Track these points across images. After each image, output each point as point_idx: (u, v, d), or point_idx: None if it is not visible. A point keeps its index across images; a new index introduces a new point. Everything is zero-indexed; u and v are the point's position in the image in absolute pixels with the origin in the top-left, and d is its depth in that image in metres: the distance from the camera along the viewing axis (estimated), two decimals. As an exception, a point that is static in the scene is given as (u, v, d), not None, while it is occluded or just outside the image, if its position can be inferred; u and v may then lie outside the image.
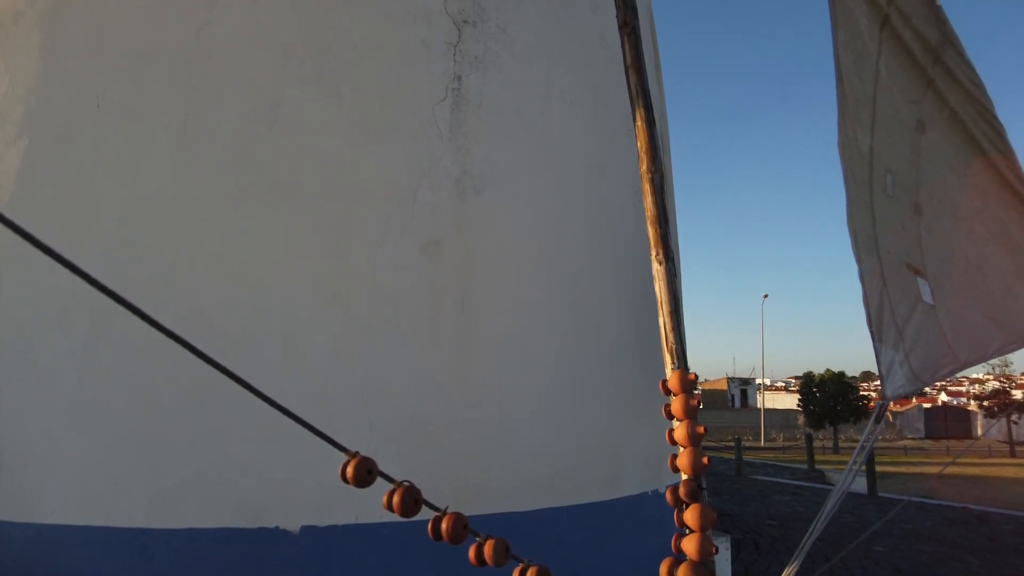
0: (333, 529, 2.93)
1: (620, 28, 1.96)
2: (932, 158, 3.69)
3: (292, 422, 0.88)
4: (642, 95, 1.92)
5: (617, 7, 1.98)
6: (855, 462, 2.47)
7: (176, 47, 3.30)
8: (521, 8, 3.98)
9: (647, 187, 1.83)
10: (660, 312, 1.68)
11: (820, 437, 36.90)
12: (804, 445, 21.38)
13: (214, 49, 3.31)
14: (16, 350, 3.13)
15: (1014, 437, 36.64)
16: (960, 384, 59.67)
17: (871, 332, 2.59)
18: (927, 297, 3.25)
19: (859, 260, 2.82)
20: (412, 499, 0.93)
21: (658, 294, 1.70)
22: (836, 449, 35.57)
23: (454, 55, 3.61)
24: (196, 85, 3.26)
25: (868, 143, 3.23)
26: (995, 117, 4.02)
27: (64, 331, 3.06)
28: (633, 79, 1.91)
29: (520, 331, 3.55)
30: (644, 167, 1.85)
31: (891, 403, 2.59)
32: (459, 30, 3.66)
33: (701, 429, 1.42)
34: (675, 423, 1.45)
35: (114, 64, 3.30)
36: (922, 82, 3.76)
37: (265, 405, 0.86)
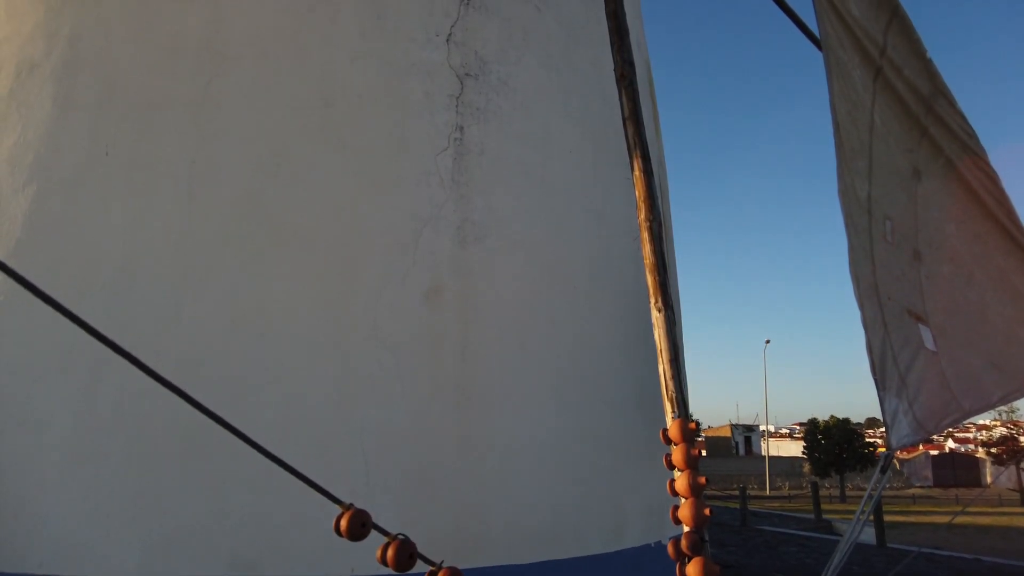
0: (328, 582, 2.86)
1: (618, 81, 2.01)
2: (930, 205, 3.73)
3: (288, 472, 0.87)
4: (640, 145, 1.95)
5: (615, 61, 2.03)
6: (863, 512, 2.42)
7: (186, 98, 3.38)
8: (522, 62, 4.09)
9: (646, 235, 1.85)
10: (660, 360, 1.67)
11: (826, 485, 36.18)
12: (810, 494, 20.96)
13: (223, 101, 3.39)
14: (11, 397, 3.10)
15: (1024, 485, 35.95)
16: (967, 431, 58.87)
17: (875, 380, 2.58)
18: (929, 344, 3.23)
19: (861, 306, 2.82)
20: (406, 553, 0.91)
21: (658, 342, 1.70)
22: (843, 498, 34.83)
23: (456, 106, 3.69)
24: (204, 135, 3.33)
25: (866, 190, 3.27)
26: (989, 165, 4.08)
27: (62, 379, 3.04)
28: (631, 130, 1.95)
29: (520, 379, 3.53)
30: (643, 215, 1.87)
31: (897, 451, 2.56)
32: (461, 82, 3.76)
33: (703, 480, 1.40)
34: (676, 473, 1.43)
35: (124, 114, 3.37)
36: (916, 131, 3.83)
37: (260, 454, 0.85)
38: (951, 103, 4.07)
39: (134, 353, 1.02)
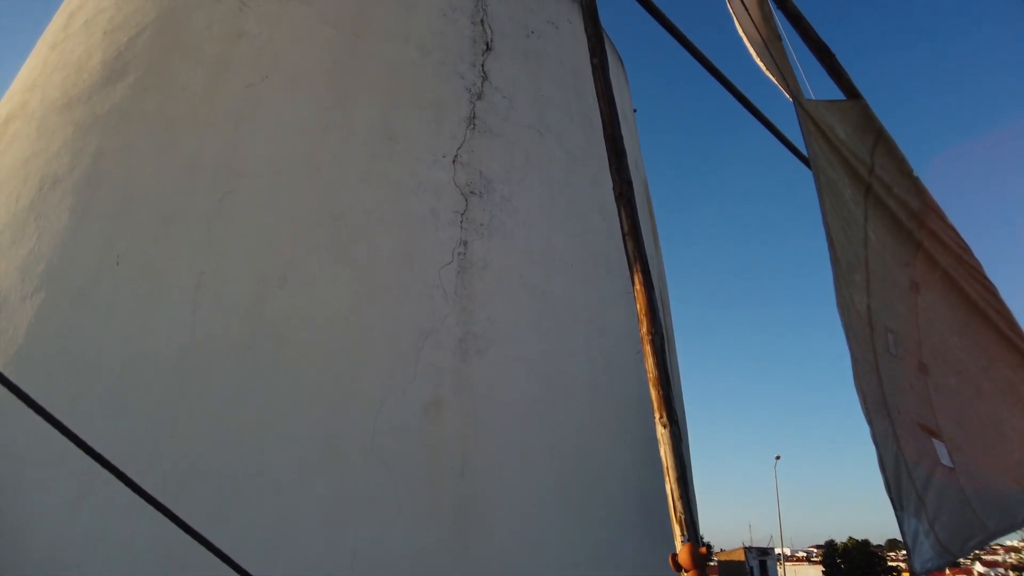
0: None
1: (617, 199, 2.08)
2: (931, 317, 3.73)
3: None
4: (640, 259, 1.99)
5: (614, 180, 2.12)
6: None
7: (200, 211, 3.50)
8: (525, 181, 4.27)
9: (648, 348, 1.84)
10: (667, 478, 1.61)
11: (851, 615, 33.77)
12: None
13: (235, 214, 3.51)
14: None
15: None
16: (994, 552, 55.58)
17: (891, 499, 2.47)
18: (944, 459, 3.13)
19: (870, 421, 2.75)
20: None
21: (664, 459, 1.65)
22: (870, 629, 32.41)
23: (461, 222, 3.82)
24: (214, 247, 3.41)
25: (865, 303, 3.29)
26: (986, 277, 4.13)
27: (46, 491, 2.94)
28: (631, 245, 1.99)
29: (521, 499, 3.39)
30: (644, 329, 1.87)
31: (923, 578, 2.41)
32: (466, 200, 3.91)
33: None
34: (689, 605, 1.34)
35: (139, 226, 3.48)
36: (911, 245, 3.90)
37: None
38: (942, 218, 4.17)
39: (124, 465, 1.00)
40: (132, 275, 3.34)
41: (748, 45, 4.98)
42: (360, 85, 4.11)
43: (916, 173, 4.11)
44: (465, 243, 3.77)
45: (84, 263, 3.40)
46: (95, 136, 3.78)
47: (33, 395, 2.28)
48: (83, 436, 2.21)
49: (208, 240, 3.42)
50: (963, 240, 4.17)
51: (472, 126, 4.25)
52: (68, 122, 3.90)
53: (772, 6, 5.02)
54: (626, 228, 2.03)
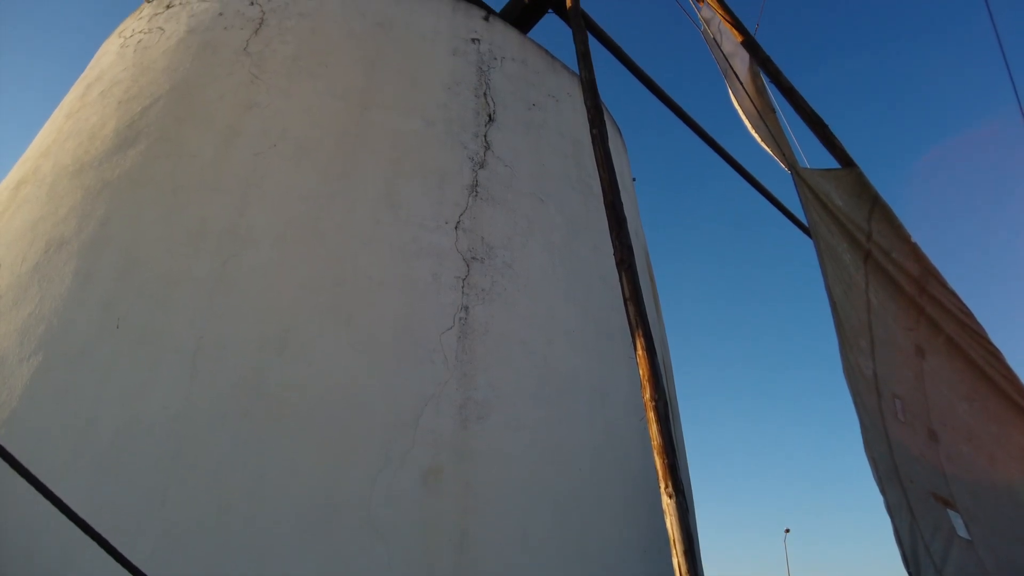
0: None
1: (618, 265, 2.09)
2: (938, 383, 3.69)
3: None
4: (641, 325, 1.98)
5: (615, 247, 2.14)
6: None
7: (202, 276, 3.52)
8: (527, 247, 4.32)
9: (652, 415, 1.81)
10: (673, 552, 1.55)
11: None
12: None
13: (238, 279, 3.53)
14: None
15: None
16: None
17: (909, 574, 2.38)
18: (961, 532, 3.03)
19: (883, 491, 2.68)
20: None
21: (670, 531, 1.59)
22: None
23: (462, 287, 3.83)
24: (215, 311, 3.41)
25: (871, 368, 3.26)
26: (990, 342, 4.10)
27: (29, 558, 2.83)
28: (632, 310, 1.99)
29: (522, 573, 3.26)
30: (648, 395, 1.85)
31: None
32: (468, 265, 3.94)
33: None
34: None
35: (141, 289, 3.49)
36: (913, 310, 3.90)
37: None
38: (942, 283, 4.18)
39: (112, 533, 0.96)
40: (132, 339, 3.32)
41: (743, 117, 5.13)
42: (366, 154, 4.22)
43: (914, 239, 4.15)
44: (466, 308, 3.77)
45: (84, 326, 3.39)
46: (104, 201, 3.85)
47: (24, 459, 2.23)
48: (71, 503, 2.15)
49: (209, 305, 3.43)
50: (965, 305, 4.17)
51: (475, 193, 4.33)
52: (78, 187, 3.98)
53: (766, 80, 5.20)
54: (627, 293, 2.03)
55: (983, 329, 4.11)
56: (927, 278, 4.08)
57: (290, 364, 3.31)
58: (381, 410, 3.32)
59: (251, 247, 3.63)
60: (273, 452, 3.09)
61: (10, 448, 2.18)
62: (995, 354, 4.09)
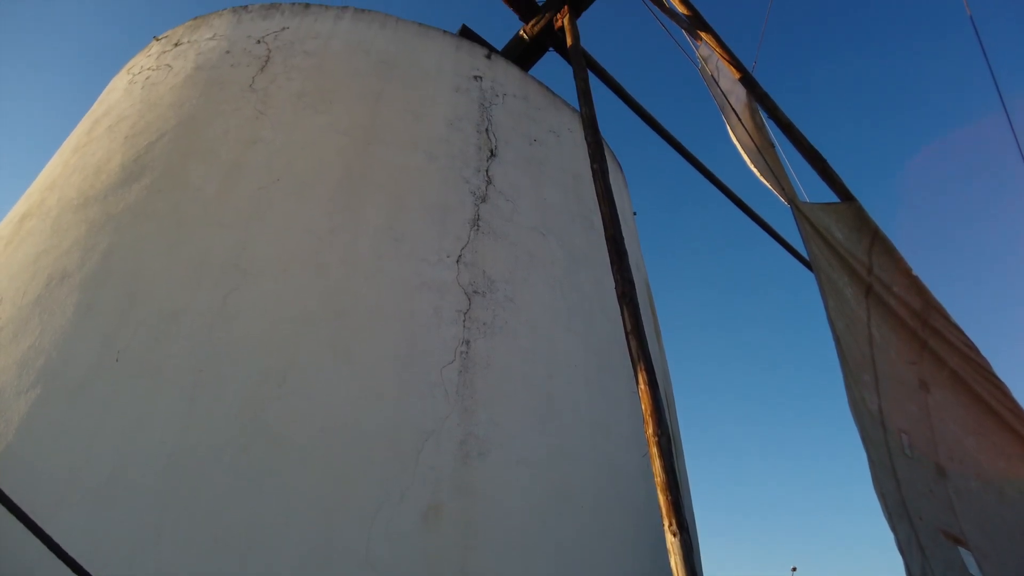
0: None
1: (620, 298, 2.09)
2: (944, 418, 3.65)
3: None
4: (644, 358, 1.97)
5: (616, 280, 2.14)
6: None
7: (203, 309, 3.51)
8: (528, 281, 4.32)
9: (655, 450, 1.78)
10: (680, 593, 1.51)
11: None
12: None
13: (238, 312, 3.52)
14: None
15: None
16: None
17: (921, 616, 2.32)
18: (974, 570, 2.96)
19: (893, 528, 2.64)
20: None
21: (674, 569, 1.55)
22: None
23: (464, 321, 3.83)
24: (215, 345, 3.40)
25: (876, 403, 3.23)
26: (994, 375, 4.07)
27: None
28: (634, 344, 1.98)
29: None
30: (650, 430, 1.82)
31: None
32: (469, 299, 3.94)
33: None
34: None
35: (141, 322, 3.48)
36: (916, 344, 3.88)
37: None
38: (945, 316, 4.17)
39: (105, 571, 0.94)
40: (131, 372, 3.31)
41: (742, 152, 5.19)
42: (369, 188, 4.26)
43: (915, 272, 4.15)
44: (468, 342, 3.76)
45: (83, 359, 3.38)
46: (107, 234, 3.87)
47: (19, 494, 2.20)
48: (65, 539, 2.11)
49: (209, 338, 3.42)
50: (968, 338, 4.15)
51: (476, 227, 4.36)
52: (82, 220, 4.00)
53: (763, 116, 5.27)
54: (629, 327, 2.02)
55: (987, 362, 4.08)
56: (929, 311, 4.07)
57: (290, 398, 3.28)
58: (381, 445, 3.28)
59: (253, 280, 3.64)
60: (271, 488, 3.04)
61: (5, 483, 2.15)
62: (1000, 388, 4.06)
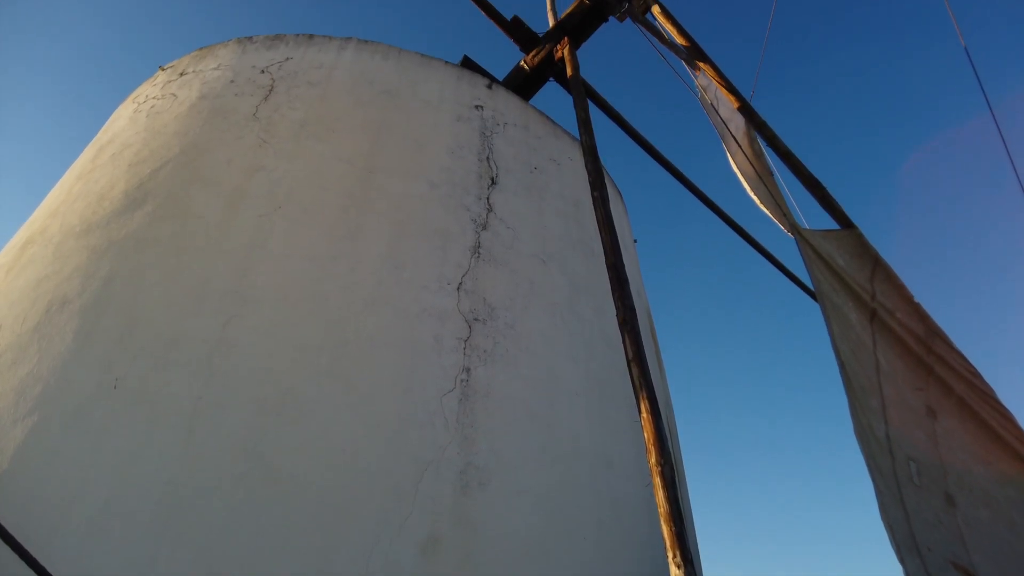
0: None
1: (620, 326, 2.07)
2: (952, 445, 3.60)
3: None
4: (646, 387, 1.95)
5: (617, 308, 2.13)
6: None
7: (202, 336, 3.49)
8: (529, 308, 4.31)
9: (658, 481, 1.75)
10: (685, 629, 1.47)
11: None
12: None
13: (238, 340, 3.50)
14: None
15: None
16: None
17: (934, 651, 2.25)
18: (986, 604, 2.90)
19: (901, 559, 2.58)
20: None
21: (681, 606, 1.51)
22: None
23: (464, 349, 3.80)
24: (213, 373, 3.37)
25: (883, 430, 3.19)
26: (1000, 403, 4.03)
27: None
28: (636, 371, 1.96)
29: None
30: (653, 459, 1.79)
31: None
32: (470, 327, 3.92)
33: None
34: None
35: (141, 349, 3.46)
36: (922, 370, 3.85)
37: None
38: (948, 343, 4.14)
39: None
40: (128, 400, 3.28)
41: (742, 180, 5.21)
42: (370, 216, 4.27)
43: (917, 299, 4.14)
44: (468, 370, 3.73)
45: (81, 386, 3.35)
46: (108, 261, 3.87)
47: (13, 523, 2.16)
48: (57, 571, 2.07)
49: (208, 366, 3.39)
50: (972, 365, 4.12)
51: (477, 255, 4.36)
52: (84, 247, 4.01)
53: (762, 144, 5.30)
54: (630, 355, 2.00)
55: (991, 389, 4.05)
56: (933, 338, 4.04)
57: (288, 427, 3.25)
58: (380, 476, 3.23)
59: (253, 308, 3.62)
60: (267, 520, 2.99)
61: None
62: (1006, 415, 4.02)
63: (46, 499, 3.03)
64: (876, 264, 4.16)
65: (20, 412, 3.30)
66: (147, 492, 3.02)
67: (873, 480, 2.77)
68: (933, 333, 4.04)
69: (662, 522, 1.64)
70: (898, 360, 3.62)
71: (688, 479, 5.43)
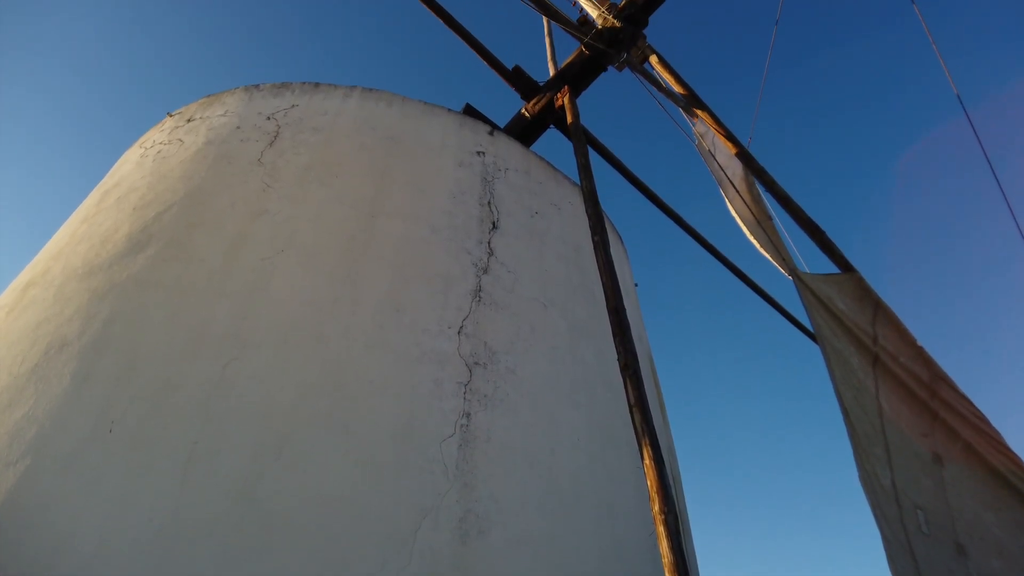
0: None
1: (622, 371, 2.06)
2: (960, 493, 3.54)
3: None
4: (648, 433, 1.92)
5: (618, 352, 2.12)
6: None
7: (201, 379, 3.47)
8: (530, 352, 4.29)
9: (662, 529, 1.71)
10: None
11: None
12: None
13: (236, 383, 3.48)
14: None
15: None
16: None
17: None
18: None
19: (912, 613, 2.51)
20: None
21: (687, 662, 1.46)
22: None
23: (464, 393, 3.77)
24: (211, 416, 3.34)
25: (889, 477, 3.14)
26: (1008, 447, 3.97)
27: None
28: (638, 417, 1.94)
29: None
30: (656, 507, 1.76)
31: None
32: (470, 371, 3.89)
33: None
34: None
35: (138, 392, 3.43)
36: (927, 415, 3.80)
37: None
38: (953, 387, 4.10)
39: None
40: (124, 444, 3.23)
41: (741, 225, 5.25)
42: (372, 260, 4.29)
43: (920, 343, 4.12)
44: (468, 415, 3.69)
45: (77, 430, 3.32)
46: (109, 303, 3.87)
47: (4, 567, 2.10)
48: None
49: (206, 409, 3.36)
50: (978, 409, 4.07)
51: (478, 299, 4.36)
52: (86, 289, 4.02)
53: (761, 190, 5.36)
54: (632, 400, 1.99)
55: (999, 434, 4.00)
56: (937, 383, 4.01)
57: (285, 473, 3.19)
58: (377, 523, 3.16)
59: (252, 351, 3.61)
60: (262, 567, 2.92)
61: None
62: (1015, 460, 3.96)
63: (38, 543, 2.97)
64: (877, 308, 4.16)
65: (13, 456, 3.25)
66: (138, 541, 2.95)
67: (880, 529, 2.71)
68: (938, 378, 4.00)
69: (666, 572, 1.60)
70: (902, 405, 3.59)
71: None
